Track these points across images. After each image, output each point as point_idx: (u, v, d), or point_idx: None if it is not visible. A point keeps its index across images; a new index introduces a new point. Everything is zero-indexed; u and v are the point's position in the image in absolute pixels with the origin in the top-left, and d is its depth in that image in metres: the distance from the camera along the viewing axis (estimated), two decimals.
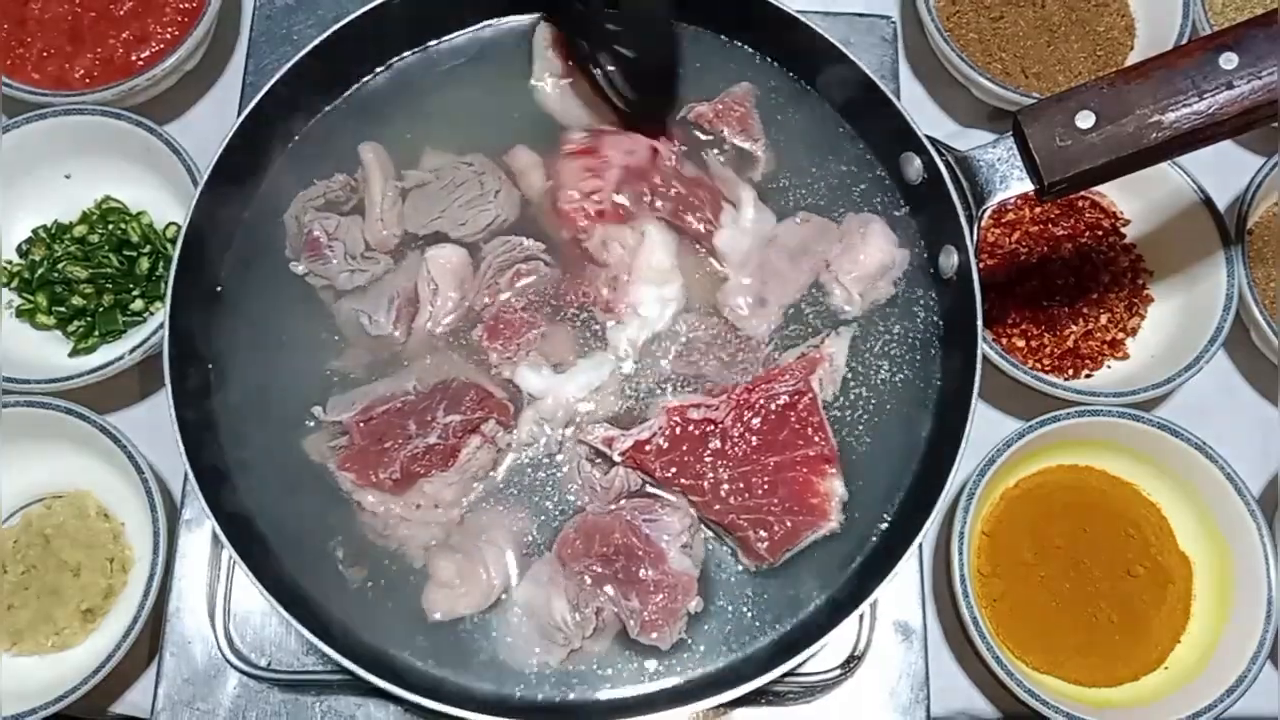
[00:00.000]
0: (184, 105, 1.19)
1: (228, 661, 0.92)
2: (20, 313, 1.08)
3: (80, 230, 1.10)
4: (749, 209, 0.93)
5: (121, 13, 1.15)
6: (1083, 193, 1.15)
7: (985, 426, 1.07)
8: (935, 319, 0.93)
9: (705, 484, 0.86)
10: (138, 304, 1.08)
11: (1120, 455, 1.04)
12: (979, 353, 0.85)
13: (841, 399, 0.91)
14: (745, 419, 0.87)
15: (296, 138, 0.98)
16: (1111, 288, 1.13)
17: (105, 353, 1.06)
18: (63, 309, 1.07)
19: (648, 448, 0.86)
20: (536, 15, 1.02)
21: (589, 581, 0.84)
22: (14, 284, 1.09)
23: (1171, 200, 1.12)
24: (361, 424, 0.88)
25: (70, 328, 1.07)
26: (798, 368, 0.89)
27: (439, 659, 0.84)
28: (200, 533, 0.98)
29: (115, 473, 1.00)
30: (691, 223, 0.93)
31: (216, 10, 1.13)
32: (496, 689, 0.84)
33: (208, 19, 1.12)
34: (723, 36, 1.02)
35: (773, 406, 0.87)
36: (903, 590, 0.98)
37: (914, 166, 0.93)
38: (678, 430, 0.87)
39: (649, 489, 0.88)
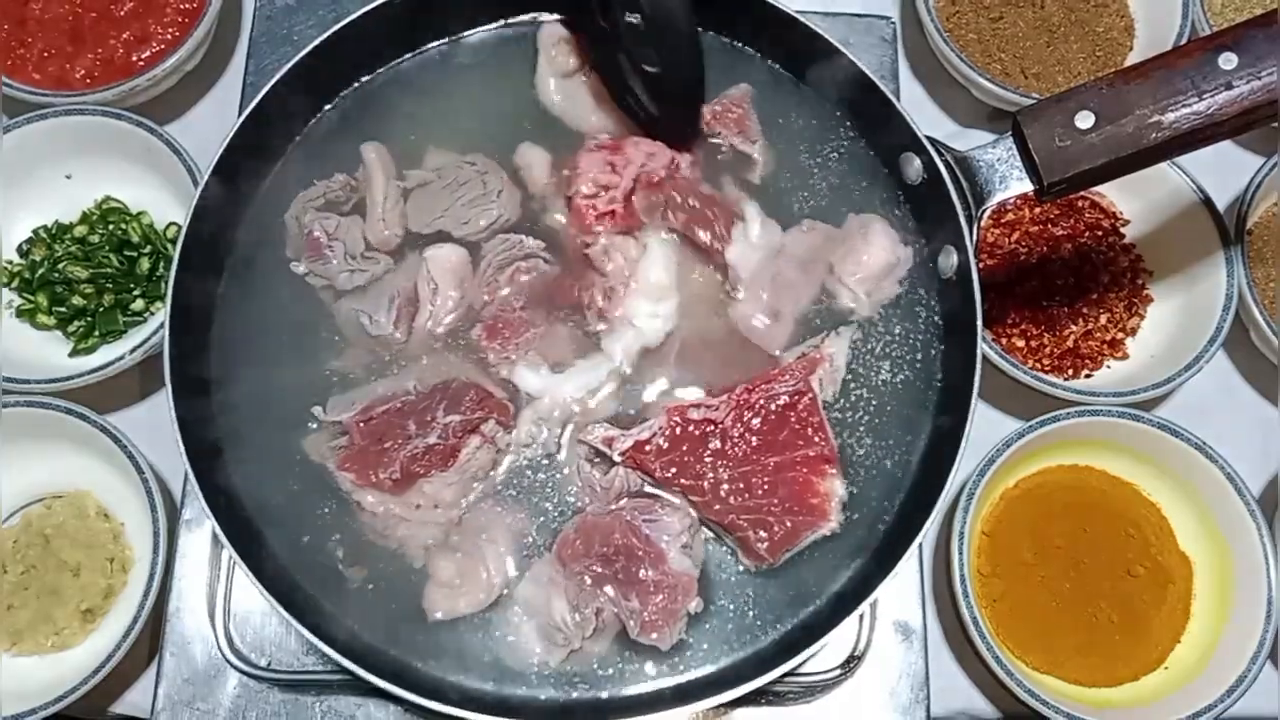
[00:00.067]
0: (184, 105, 1.19)
1: (228, 661, 0.92)
2: (20, 313, 1.08)
3: (81, 230, 1.10)
4: (755, 224, 0.93)
5: (122, 13, 1.15)
6: (1082, 193, 1.15)
7: (985, 426, 1.07)
8: (935, 319, 0.93)
9: (705, 484, 0.86)
10: (138, 304, 1.08)
11: (1120, 455, 1.04)
12: (979, 353, 0.85)
13: (841, 399, 0.91)
14: (745, 419, 0.87)
15: (297, 138, 0.98)
16: (1111, 288, 1.13)
17: (105, 353, 1.06)
18: (63, 309, 1.07)
19: (648, 448, 0.86)
20: (536, 15, 1.02)
21: (589, 582, 0.84)
22: (14, 284, 1.09)
23: (1171, 200, 1.12)
24: (361, 424, 0.88)
25: (70, 328, 1.07)
26: (798, 368, 0.89)
27: (439, 659, 0.84)
28: (200, 533, 0.98)
29: (115, 473, 1.00)
30: (704, 238, 0.93)
31: (217, 11, 1.13)
32: (496, 689, 0.84)
33: (208, 19, 1.12)
34: (722, 37, 1.02)
35: (773, 407, 0.87)
36: (903, 590, 0.98)
37: (914, 167, 0.93)
38: (678, 430, 0.87)
39: (649, 489, 0.88)
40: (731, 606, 0.86)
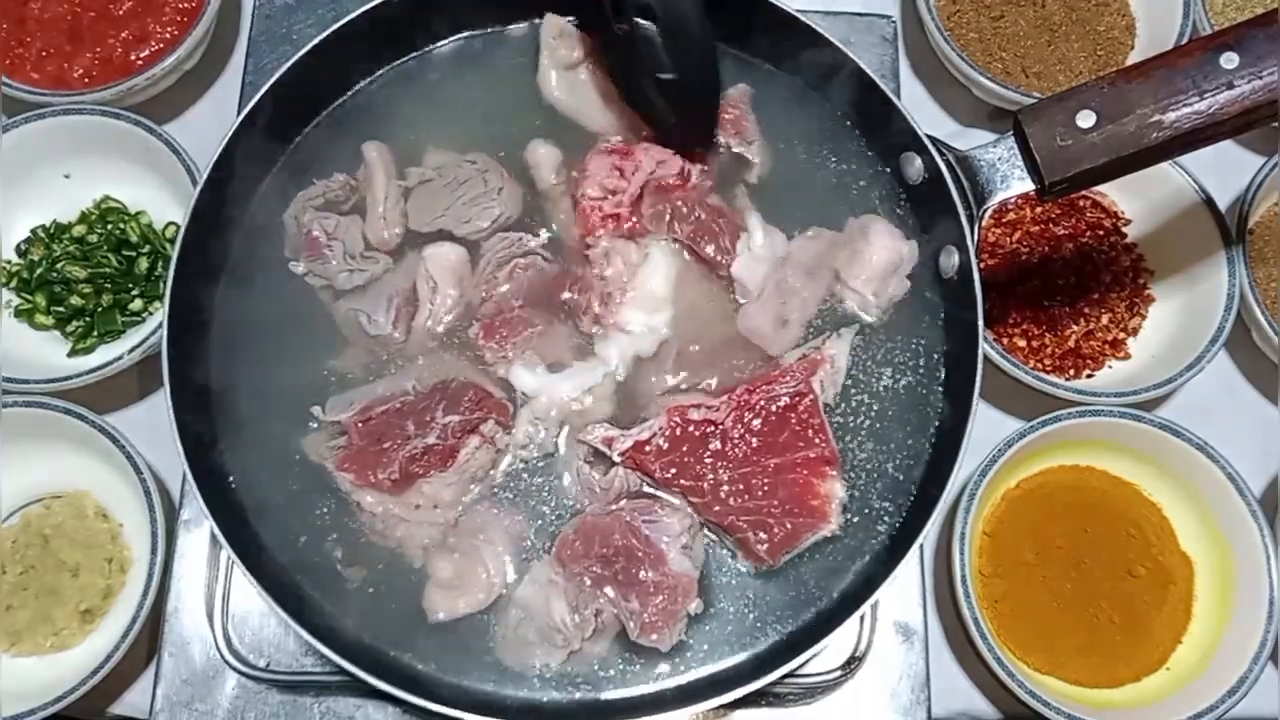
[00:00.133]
0: (183, 105, 1.19)
1: (226, 662, 0.92)
2: (19, 313, 1.08)
3: (79, 230, 1.10)
4: (758, 233, 0.93)
5: (121, 12, 1.15)
6: (1084, 192, 1.15)
7: (986, 426, 1.07)
8: (936, 319, 0.93)
9: (705, 485, 0.86)
10: (136, 304, 1.08)
11: (1121, 455, 1.04)
12: (980, 353, 0.85)
13: (842, 400, 0.90)
14: (746, 420, 0.87)
15: (296, 137, 0.98)
16: (1113, 287, 1.12)
17: (104, 353, 1.06)
18: (61, 309, 1.07)
19: (647, 448, 0.86)
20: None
21: (588, 583, 0.84)
22: (13, 284, 1.09)
23: (1172, 200, 1.12)
24: (360, 424, 0.87)
25: (69, 328, 1.07)
26: (799, 369, 0.89)
27: (438, 660, 0.84)
28: (199, 533, 0.98)
29: (114, 473, 1.00)
30: (709, 251, 0.93)
31: (216, 10, 1.13)
32: (496, 690, 0.84)
33: (207, 18, 1.12)
34: (721, 36, 1.02)
35: (773, 408, 0.87)
36: (904, 591, 0.98)
37: (914, 166, 0.93)
38: (678, 431, 0.86)
39: (648, 490, 0.88)
40: (731, 608, 0.86)
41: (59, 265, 1.07)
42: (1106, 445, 1.04)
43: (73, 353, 1.06)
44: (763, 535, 0.85)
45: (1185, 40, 1.16)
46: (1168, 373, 1.04)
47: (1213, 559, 1.02)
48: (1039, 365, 1.09)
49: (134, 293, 1.08)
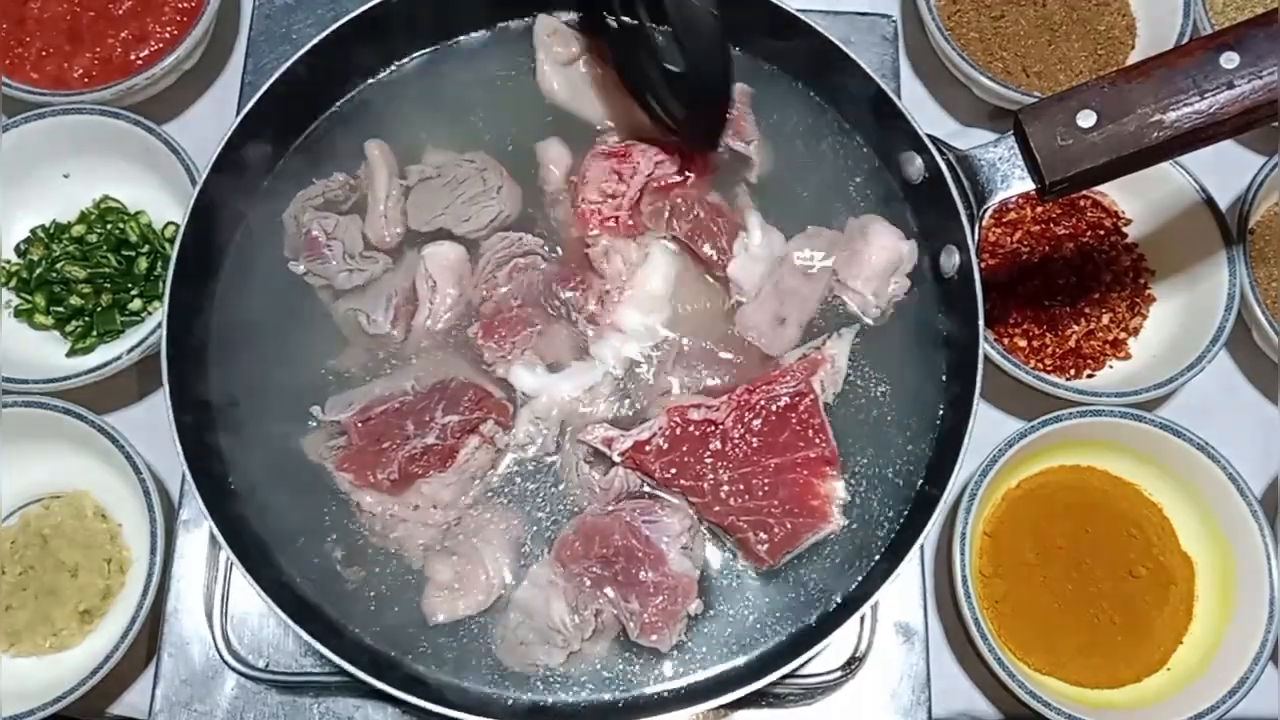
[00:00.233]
0: (183, 104, 1.19)
1: (225, 663, 0.91)
2: (18, 312, 1.08)
3: (79, 230, 1.09)
4: (756, 232, 0.93)
5: (120, 12, 1.15)
6: (1084, 192, 1.14)
7: (987, 426, 1.07)
8: (937, 319, 0.93)
9: (705, 485, 0.86)
10: (136, 304, 1.08)
11: (1122, 455, 1.04)
12: (980, 353, 0.85)
13: (843, 400, 0.90)
14: (746, 420, 0.87)
15: (295, 137, 0.98)
16: (1113, 287, 1.12)
17: (103, 352, 1.06)
18: (61, 309, 1.07)
19: (647, 448, 0.86)
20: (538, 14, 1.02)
21: (588, 583, 0.84)
22: (12, 284, 1.08)
23: (1173, 200, 1.12)
24: (360, 424, 0.87)
25: (68, 327, 1.07)
26: (799, 369, 0.89)
27: (437, 661, 0.84)
28: (198, 533, 0.98)
29: (113, 473, 1.00)
30: (707, 250, 0.92)
31: (215, 9, 1.13)
32: (495, 691, 0.84)
33: (206, 18, 1.12)
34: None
35: (774, 408, 0.87)
36: (904, 591, 0.98)
37: (915, 166, 0.93)
38: (678, 431, 0.86)
39: (648, 490, 0.88)
40: (732, 608, 0.86)
41: (58, 265, 1.07)
42: (1107, 445, 1.04)
43: (72, 353, 1.06)
44: (763, 535, 0.85)
45: (1185, 40, 1.16)
46: (1168, 373, 1.04)
47: (1213, 559, 1.01)
48: (1040, 365, 1.09)
49: (133, 293, 1.08)
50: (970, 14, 1.21)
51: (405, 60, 1.01)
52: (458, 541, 0.86)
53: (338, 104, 1.00)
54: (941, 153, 0.89)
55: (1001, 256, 1.13)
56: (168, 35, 1.14)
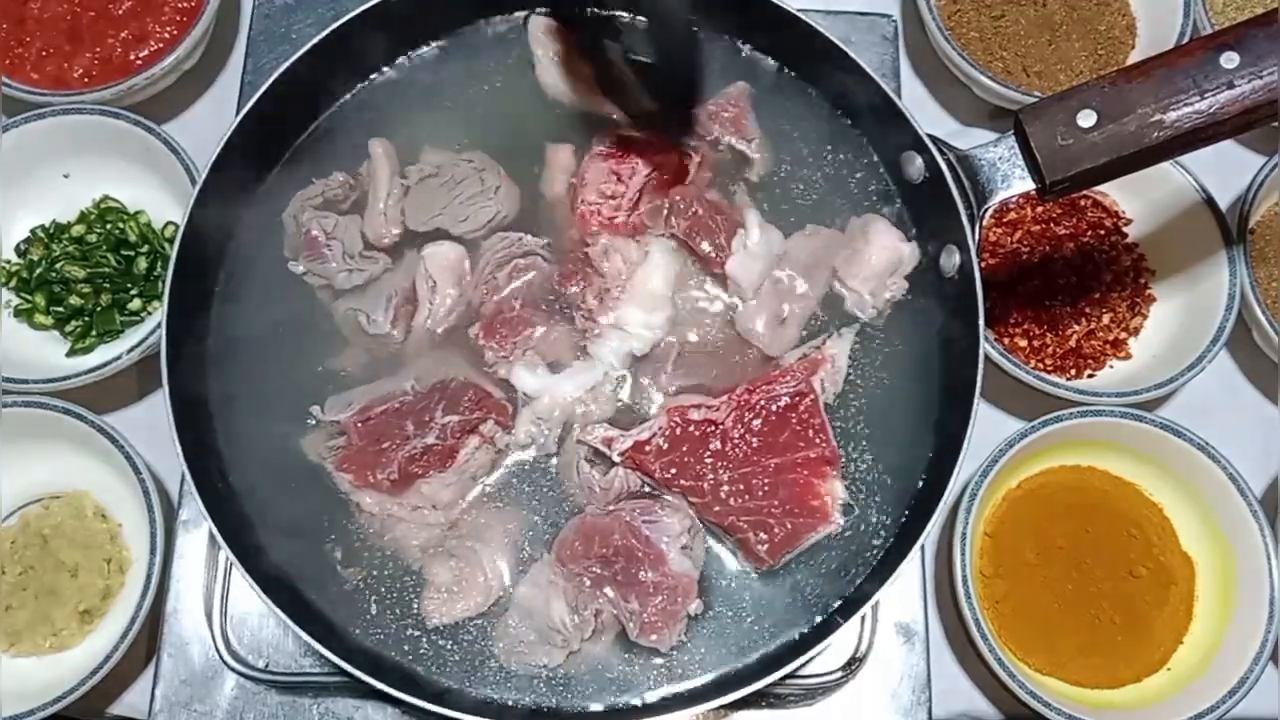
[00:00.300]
0: (182, 104, 1.19)
1: (225, 663, 0.91)
2: (18, 312, 1.08)
3: (78, 230, 1.09)
4: (755, 230, 0.93)
5: (120, 12, 1.15)
6: (1084, 192, 1.14)
7: (987, 426, 1.07)
8: (937, 319, 0.93)
9: (705, 485, 0.86)
10: (135, 304, 1.08)
11: (1122, 455, 1.04)
12: (981, 353, 0.85)
13: (843, 400, 0.90)
14: (746, 420, 0.87)
15: (295, 137, 0.98)
16: (1114, 287, 1.12)
17: (103, 352, 1.06)
18: (60, 309, 1.07)
19: (647, 448, 0.86)
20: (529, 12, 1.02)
21: (588, 583, 0.84)
22: (12, 284, 1.08)
23: (1173, 200, 1.12)
24: (359, 424, 0.87)
25: (68, 327, 1.07)
26: (799, 369, 0.88)
27: (437, 661, 0.84)
28: (197, 533, 0.98)
29: (113, 473, 0.99)
30: (705, 248, 0.92)
31: (215, 9, 1.13)
32: (495, 691, 0.83)
33: (206, 18, 1.12)
34: (721, 34, 1.02)
35: (774, 408, 0.87)
36: (905, 592, 0.98)
37: (915, 165, 0.93)
38: (678, 431, 0.86)
39: (648, 490, 0.87)
40: (732, 608, 0.86)
41: (58, 265, 1.07)
42: (1108, 445, 1.03)
43: (72, 352, 1.06)
44: (763, 535, 0.85)
45: (1186, 40, 1.15)
46: (1169, 372, 1.04)
47: (1214, 559, 1.01)
48: (1040, 365, 1.09)
49: (133, 292, 1.08)
50: (970, 13, 1.21)
51: (405, 59, 1.01)
52: (457, 543, 0.86)
53: (337, 104, 1.00)
54: (942, 152, 0.89)
55: (1002, 256, 1.13)
56: (167, 35, 1.14)
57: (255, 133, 0.93)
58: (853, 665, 0.93)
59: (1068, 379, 1.08)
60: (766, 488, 0.85)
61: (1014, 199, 1.03)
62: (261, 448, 0.88)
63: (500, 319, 0.91)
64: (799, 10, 0.95)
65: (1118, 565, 1.01)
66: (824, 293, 0.94)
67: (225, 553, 0.81)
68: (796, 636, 0.85)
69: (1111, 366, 1.10)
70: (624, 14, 0.83)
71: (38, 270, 1.07)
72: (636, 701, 0.83)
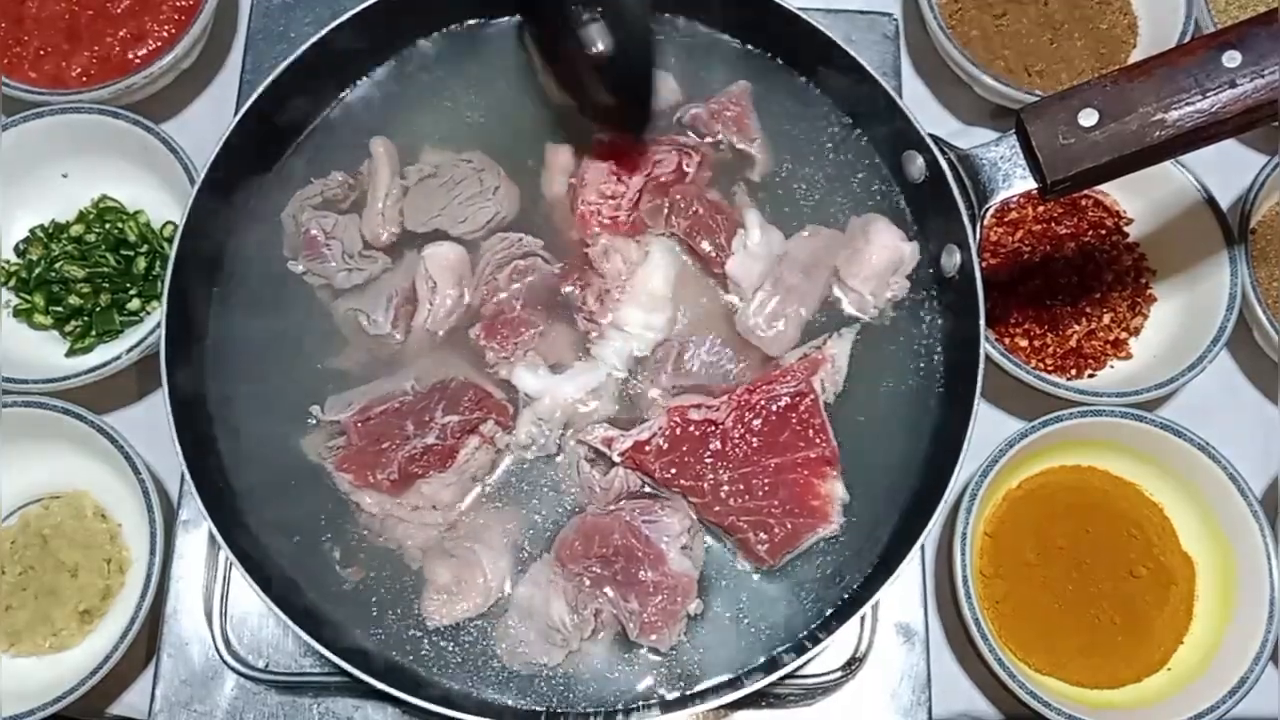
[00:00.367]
0: (181, 103, 1.18)
1: (225, 663, 0.91)
2: (17, 312, 1.08)
3: (77, 229, 1.09)
4: (755, 230, 0.92)
5: (118, 10, 1.14)
6: (1086, 191, 1.14)
7: (988, 426, 1.07)
8: (938, 318, 0.93)
9: (705, 485, 0.85)
10: (135, 303, 1.07)
11: (1123, 455, 1.04)
12: (981, 352, 0.85)
13: (843, 400, 0.90)
14: (746, 420, 0.87)
15: (294, 136, 0.98)
16: (1114, 287, 1.12)
17: (102, 352, 1.06)
18: (60, 309, 1.07)
19: (647, 448, 0.86)
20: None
21: (588, 583, 0.84)
22: (11, 283, 1.08)
23: (1174, 199, 1.11)
24: (359, 424, 0.87)
25: (67, 327, 1.07)
26: (799, 369, 0.88)
27: (436, 661, 0.84)
28: (197, 533, 0.98)
29: (112, 473, 0.99)
30: (705, 247, 0.92)
31: (213, 8, 1.12)
32: (494, 690, 0.83)
33: (204, 16, 1.12)
34: (722, 33, 1.02)
35: (774, 408, 0.87)
36: (904, 592, 0.98)
37: (916, 165, 0.92)
38: (678, 431, 0.86)
39: (648, 490, 0.87)
40: (732, 608, 0.86)
41: (57, 265, 1.07)
42: (1108, 445, 1.03)
43: (71, 352, 1.06)
44: (763, 535, 0.85)
45: (1188, 38, 1.15)
46: (1169, 372, 1.04)
47: (1214, 559, 1.01)
48: (1040, 365, 1.09)
49: (132, 292, 1.08)
50: (972, 12, 1.20)
51: (404, 58, 1.01)
52: (456, 543, 0.86)
53: (336, 103, 0.99)
54: (943, 152, 0.89)
55: (1003, 256, 1.13)
56: (166, 34, 1.14)
57: (254, 132, 0.93)
58: (853, 665, 0.93)
59: (1068, 379, 1.08)
60: (766, 488, 0.85)
61: (1015, 198, 1.03)
62: (261, 448, 0.88)
63: (501, 319, 0.91)
64: (800, 9, 0.95)
65: (1118, 565, 1.01)
66: (824, 293, 0.94)
67: (225, 553, 0.81)
68: (796, 636, 0.85)
69: (1112, 366, 1.10)
70: (579, 8, 0.83)
71: (37, 270, 1.07)
72: (636, 702, 0.83)
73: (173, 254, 0.87)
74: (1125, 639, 0.99)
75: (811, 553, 0.87)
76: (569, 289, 0.92)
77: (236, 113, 0.91)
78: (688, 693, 0.83)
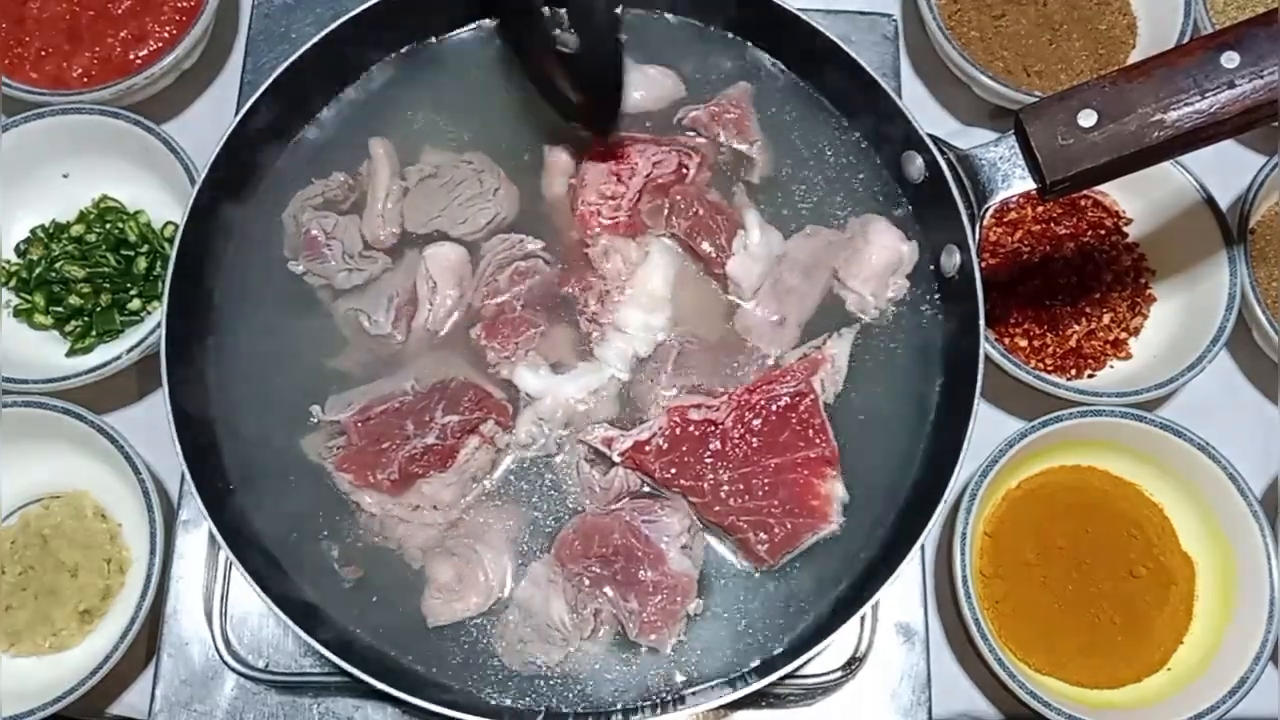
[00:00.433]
0: (182, 104, 1.19)
1: (225, 663, 0.91)
2: (18, 312, 1.08)
3: (78, 230, 1.09)
4: (755, 231, 0.92)
5: (119, 11, 1.15)
6: (1085, 192, 1.14)
7: (987, 426, 1.07)
8: (937, 319, 0.93)
9: (705, 485, 0.86)
10: (135, 303, 1.08)
11: (1123, 455, 1.04)
12: (981, 353, 0.85)
13: (843, 400, 0.90)
14: (746, 420, 0.87)
15: (295, 137, 0.98)
16: (1114, 287, 1.12)
17: (102, 352, 1.06)
18: (60, 309, 1.07)
19: (647, 448, 0.86)
20: None
21: (588, 583, 0.84)
22: (12, 283, 1.08)
23: (1174, 199, 1.12)
24: (359, 424, 0.87)
25: (68, 327, 1.07)
26: (799, 369, 0.88)
27: (436, 660, 0.84)
28: (197, 533, 0.98)
29: (113, 473, 0.99)
30: (705, 248, 0.92)
31: (214, 9, 1.13)
32: (494, 690, 0.83)
33: (205, 17, 1.12)
34: (724, 35, 1.02)
35: (774, 408, 0.87)
36: (904, 592, 0.98)
37: (916, 165, 0.92)
38: (678, 431, 0.86)
39: (648, 490, 0.87)
40: (731, 608, 0.86)
41: (58, 265, 1.07)
42: (1108, 445, 1.03)
43: (71, 352, 1.06)
44: (763, 535, 0.85)
45: (1186, 39, 1.15)
46: (1169, 372, 1.04)
47: (1214, 559, 1.01)
48: (1040, 365, 1.09)
49: (132, 292, 1.08)
50: (971, 13, 1.21)
51: (405, 59, 1.01)
52: (457, 543, 0.86)
53: (337, 103, 0.99)
54: (942, 152, 0.89)
55: (1002, 256, 1.13)
56: (167, 35, 1.14)
57: (255, 132, 0.93)
58: (853, 665, 0.93)
59: (1068, 379, 1.08)
60: (766, 488, 0.85)
61: (1014, 199, 1.03)
62: (262, 447, 0.88)
63: (502, 319, 0.91)
64: (799, 10, 0.95)
65: (1118, 565, 1.01)
66: (824, 293, 0.94)
67: (225, 552, 0.81)
68: (796, 636, 0.85)
69: (1112, 366, 1.10)
70: (543, 6, 0.83)
71: (37, 270, 1.07)
72: (636, 702, 0.83)
73: (173, 254, 0.87)
74: (1125, 639, 0.99)
75: (811, 553, 0.87)
76: (569, 290, 0.92)
77: (237, 113, 0.92)
78: (687, 692, 0.83)
